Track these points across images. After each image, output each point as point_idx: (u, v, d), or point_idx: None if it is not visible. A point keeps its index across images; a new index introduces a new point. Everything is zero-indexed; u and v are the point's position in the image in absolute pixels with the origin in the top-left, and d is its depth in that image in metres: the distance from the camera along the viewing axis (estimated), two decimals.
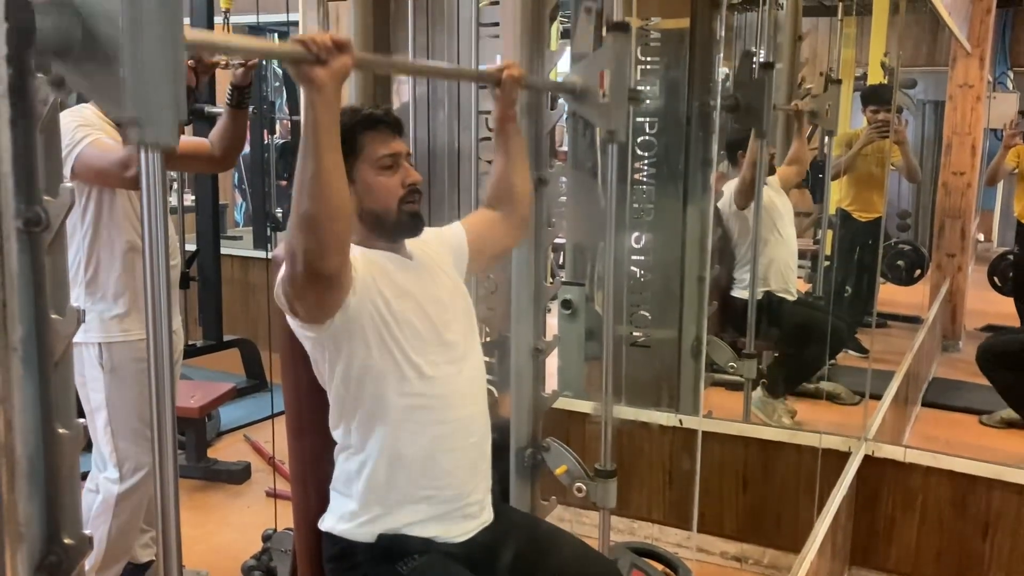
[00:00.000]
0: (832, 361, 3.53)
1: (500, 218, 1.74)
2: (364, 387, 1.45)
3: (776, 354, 3.52)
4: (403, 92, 2.37)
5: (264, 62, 5.99)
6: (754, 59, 3.08)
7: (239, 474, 3.40)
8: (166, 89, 0.85)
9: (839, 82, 3.67)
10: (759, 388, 3.29)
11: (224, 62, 2.20)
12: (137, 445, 2.24)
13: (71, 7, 0.83)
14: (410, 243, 1.58)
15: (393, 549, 1.45)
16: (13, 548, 0.77)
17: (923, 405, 4.11)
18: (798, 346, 3.58)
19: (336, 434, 1.51)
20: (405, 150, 1.54)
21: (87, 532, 0.96)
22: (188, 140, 2.45)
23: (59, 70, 0.84)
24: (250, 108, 2.29)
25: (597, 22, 1.88)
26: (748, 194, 3.18)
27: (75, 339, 0.91)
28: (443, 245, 1.66)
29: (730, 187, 3.29)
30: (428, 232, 1.68)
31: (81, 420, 0.99)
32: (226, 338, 4.46)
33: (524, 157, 1.78)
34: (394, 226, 1.51)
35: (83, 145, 2.04)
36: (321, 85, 1.21)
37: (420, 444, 1.46)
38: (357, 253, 1.45)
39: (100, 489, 2.29)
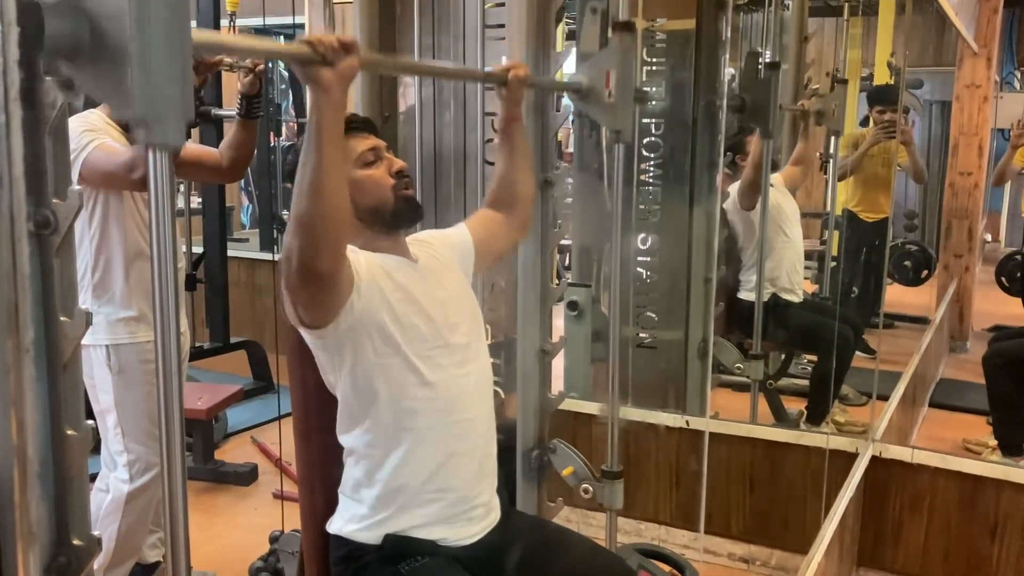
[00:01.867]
0: None
1: (502, 218, 1.75)
2: (371, 393, 1.45)
3: (808, 383, 3.49)
4: (409, 95, 2.38)
5: (271, 64, 6.02)
6: (760, 59, 3.08)
7: (246, 476, 3.40)
8: (174, 90, 0.85)
9: (845, 82, 3.66)
10: (802, 423, 3.28)
11: (227, 64, 2.20)
12: (147, 446, 2.26)
13: (79, 9, 0.83)
14: (413, 246, 1.59)
15: (398, 550, 1.45)
16: (25, 550, 0.77)
17: (930, 406, 4.10)
18: (810, 351, 3.59)
19: (344, 439, 1.52)
20: (383, 144, 1.56)
21: (95, 533, 0.97)
22: (196, 148, 2.45)
23: (68, 72, 0.84)
24: (259, 118, 2.29)
25: (603, 22, 1.88)
26: (752, 194, 3.17)
27: (83, 341, 0.91)
28: (448, 247, 1.66)
29: (736, 188, 3.28)
30: (432, 234, 1.68)
31: (90, 422, 1.00)
32: (233, 340, 4.46)
33: (528, 159, 1.78)
34: (392, 215, 1.52)
35: (89, 149, 2.06)
36: (327, 86, 1.21)
37: (427, 448, 1.46)
38: (361, 257, 1.46)
39: (110, 489, 2.31)
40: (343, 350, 1.44)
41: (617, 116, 1.82)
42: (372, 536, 1.47)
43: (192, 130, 2.49)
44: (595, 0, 1.99)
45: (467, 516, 1.51)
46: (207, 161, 2.34)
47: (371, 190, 1.51)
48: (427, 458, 1.46)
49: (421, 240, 1.65)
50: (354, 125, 1.53)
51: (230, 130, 2.35)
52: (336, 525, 1.51)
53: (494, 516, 1.57)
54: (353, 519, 1.49)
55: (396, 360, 1.44)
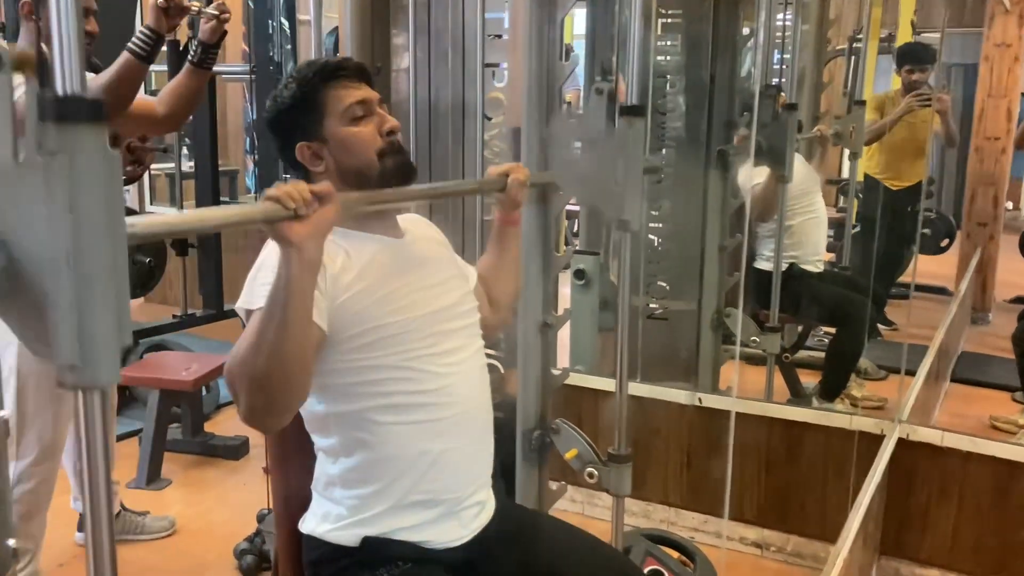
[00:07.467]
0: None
1: (485, 296, 1.57)
2: (350, 390, 1.29)
3: (824, 358, 3.34)
4: (403, 58, 2.21)
5: (270, 20, 5.81)
6: (777, 97, 2.88)
7: (237, 449, 3.28)
8: (107, 328, 0.69)
9: (863, 103, 3.46)
10: (814, 400, 3.14)
11: (197, 7, 1.99)
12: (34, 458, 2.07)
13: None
14: (405, 222, 1.44)
15: (379, 554, 1.30)
16: None
17: (952, 380, 3.95)
18: (829, 324, 3.43)
19: (317, 437, 1.36)
20: (376, 96, 1.39)
21: (11, 543, 0.85)
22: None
23: None
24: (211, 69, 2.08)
25: (609, 105, 1.74)
26: (764, 215, 3.03)
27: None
28: (445, 243, 1.52)
29: (748, 170, 3.06)
30: (431, 229, 1.53)
31: (3, 412, 0.88)
32: (227, 307, 4.33)
33: (516, 268, 1.63)
34: (379, 179, 1.35)
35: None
36: (299, 243, 1.06)
37: (415, 446, 1.30)
38: (343, 242, 1.30)
39: None
40: (321, 350, 1.27)
41: (625, 205, 1.67)
42: (349, 537, 1.31)
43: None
44: (600, 81, 1.83)
45: (457, 517, 1.34)
46: (141, 112, 2.11)
47: (356, 150, 1.34)
48: (415, 457, 1.30)
49: (417, 219, 1.51)
50: (344, 72, 1.36)
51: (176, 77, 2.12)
52: (309, 525, 1.36)
53: (487, 515, 1.40)
54: (328, 518, 1.33)
55: (379, 354, 1.28)
